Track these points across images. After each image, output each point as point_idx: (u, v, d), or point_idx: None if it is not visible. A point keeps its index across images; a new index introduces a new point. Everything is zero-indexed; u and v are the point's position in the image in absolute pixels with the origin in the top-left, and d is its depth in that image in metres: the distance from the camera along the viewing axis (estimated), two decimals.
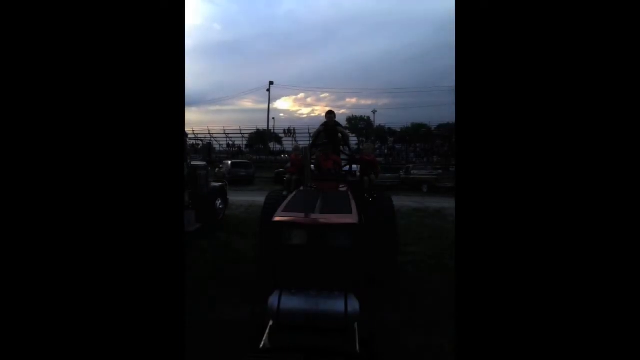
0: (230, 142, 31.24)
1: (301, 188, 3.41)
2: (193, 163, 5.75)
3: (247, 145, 32.39)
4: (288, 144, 29.94)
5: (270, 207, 3.23)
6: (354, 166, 4.49)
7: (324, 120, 4.18)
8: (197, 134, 29.95)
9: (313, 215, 2.06)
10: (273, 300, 1.80)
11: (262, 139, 31.13)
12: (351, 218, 2.07)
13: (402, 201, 9.09)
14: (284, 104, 65.67)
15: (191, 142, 22.35)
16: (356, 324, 1.84)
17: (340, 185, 3.62)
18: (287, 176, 4.13)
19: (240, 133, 31.22)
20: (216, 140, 31.01)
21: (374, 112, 33.80)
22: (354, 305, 1.79)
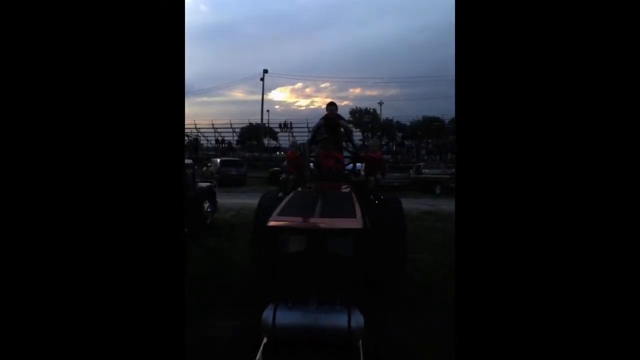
0: (220, 138, 31.25)
1: (299, 189, 3.42)
2: None
3: (238, 141, 32.41)
4: (284, 139, 29.96)
5: (265, 210, 3.23)
6: (358, 164, 4.50)
7: (325, 113, 4.18)
8: None
9: (312, 219, 2.06)
10: (267, 314, 1.80)
11: (255, 134, 31.16)
12: (354, 222, 2.07)
13: (411, 203, 9.11)
14: (280, 95, 65.82)
15: None
16: (360, 340, 1.85)
17: (343, 186, 3.62)
18: (283, 175, 4.14)
19: (231, 127, 31.24)
20: (203, 136, 31.03)
21: (381, 103, 34.01)
22: (357, 319, 1.79)
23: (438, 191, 13.55)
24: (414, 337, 2.57)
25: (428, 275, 3.90)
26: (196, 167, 6.79)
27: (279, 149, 30.01)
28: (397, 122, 31.02)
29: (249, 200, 8.74)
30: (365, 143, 18.95)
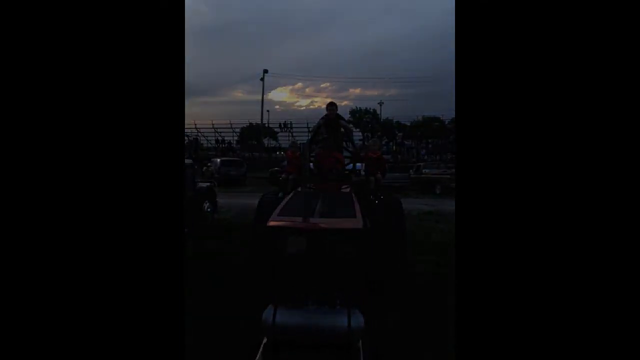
0: (220, 138, 31.25)
1: (299, 189, 3.42)
2: None
3: (238, 141, 32.42)
4: (284, 139, 29.97)
5: (265, 210, 3.23)
6: (358, 164, 4.50)
7: (325, 113, 4.19)
8: None
9: (312, 220, 2.06)
10: (267, 314, 1.81)
11: (255, 135, 31.17)
12: (355, 223, 2.08)
13: (412, 203, 9.10)
14: (280, 95, 65.63)
15: None
16: (360, 341, 1.85)
17: (343, 186, 3.62)
18: (283, 175, 4.14)
19: (231, 127, 31.24)
20: (204, 136, 31.03)
21: (381, 103, 33.97)
22: (358, 320, 1.79)
23: (438, 191, 13.55)
24: (414, 338, 2.57)
25: (428, 276, 3.90)
26: (196, 167, 6.79)
27: (279, 149, 30.00)
28: (397, 122, 31.03)
29: (249, 200, 8.74)
30: (365, 143, 18.95)
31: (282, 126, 30.96)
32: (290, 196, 2.95)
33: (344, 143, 4.42)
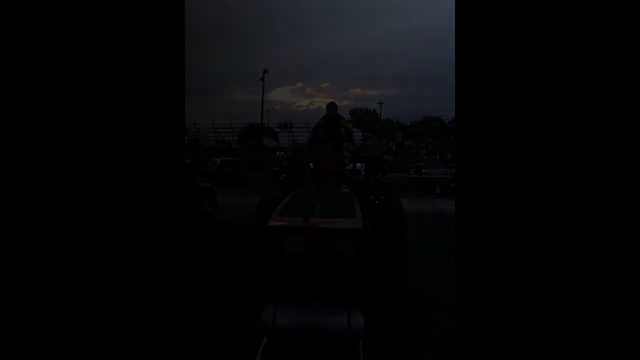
0: (220, 138, 31.27)
1: (299, 189, 3.42)
2: None
3: (237, 141, 32.43)
4: (284, 139, 29.97)
5: (265, 210, 3.23)
6: (358, 164, 4.50)
7: (325, 113, 4.19)
8: None
9: (312, 220, 2.06)
10: (267, 314, 1.81)
11: (255, 135, 31.16)
12: (355, 222, 2.08)
13: (412, 204, 9.10)
14: (280, 95, 65.54)
15: None
16: (360, 340, 1.85)
17: (343, 186, 3.62)
18: (283, 176, 4.13)
19: (231, 128, 31.28)
20: (204, 136, 31.03)
21: (381, 103, 33.95)
22: (358, 320, 1.79)
23: (438, 191, 13.56)
24: (414, 338, 2.57)
25: (428, 276, 3.90)
26: (196, 167, 6.81)
27: (279, 149, 29.96)
28: (398, 122, 31.01)
29: (249, 200, 8.73)
30: (366, 143, 18.96)
31: (282, 126, 30.96)
32: (290, 196, 2.94)
33: (344, 143, 4.42)
